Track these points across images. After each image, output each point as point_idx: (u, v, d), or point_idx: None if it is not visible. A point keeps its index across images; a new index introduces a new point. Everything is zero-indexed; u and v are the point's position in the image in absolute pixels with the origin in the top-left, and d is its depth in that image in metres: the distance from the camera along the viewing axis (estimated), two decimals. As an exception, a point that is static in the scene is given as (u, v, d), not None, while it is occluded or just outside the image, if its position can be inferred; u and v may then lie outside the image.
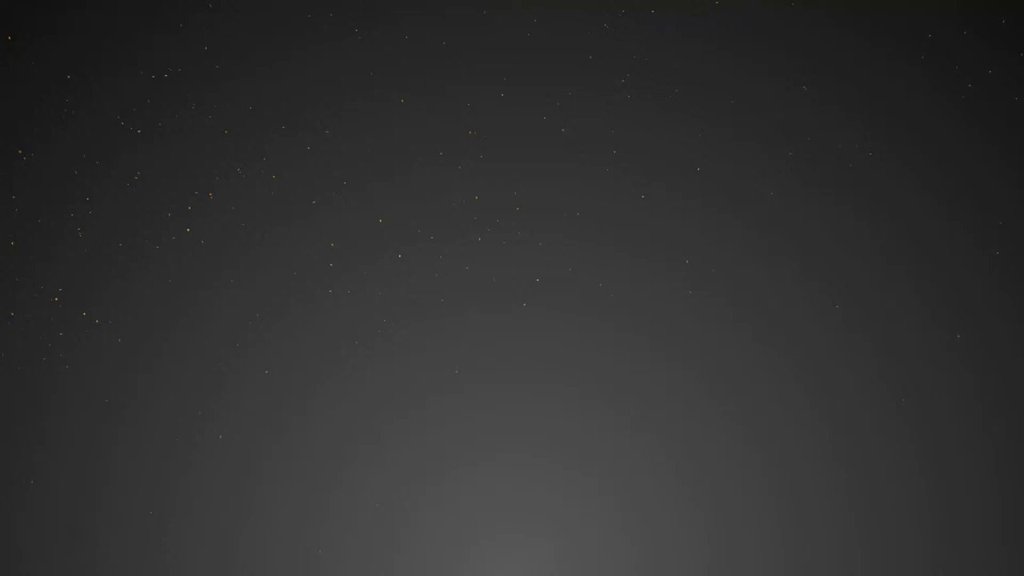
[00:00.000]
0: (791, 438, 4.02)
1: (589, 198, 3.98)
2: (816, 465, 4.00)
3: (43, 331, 3.79)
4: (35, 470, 3.78)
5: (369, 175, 3.96)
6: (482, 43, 3.94)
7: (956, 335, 4.00)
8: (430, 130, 3.95)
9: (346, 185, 3.95)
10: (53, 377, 3.79)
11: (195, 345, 3.86)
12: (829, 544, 3.98)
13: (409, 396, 3.96)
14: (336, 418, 3.94)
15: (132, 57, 3.80)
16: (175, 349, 3.86)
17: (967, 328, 4.01)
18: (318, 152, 3.93)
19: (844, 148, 4.03)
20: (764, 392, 4.01)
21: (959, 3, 4.00)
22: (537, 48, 3.95)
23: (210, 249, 3.87)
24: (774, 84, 4.01)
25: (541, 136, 3.97)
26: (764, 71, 4.01)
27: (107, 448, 3.83)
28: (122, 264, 3.82)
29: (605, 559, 3.95)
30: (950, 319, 4.03)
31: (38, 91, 3.77)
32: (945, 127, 4.04)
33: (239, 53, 3.87)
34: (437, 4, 3.94)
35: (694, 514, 3.99)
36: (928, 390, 4.02)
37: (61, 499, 3.80)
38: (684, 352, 3.99)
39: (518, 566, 3.94)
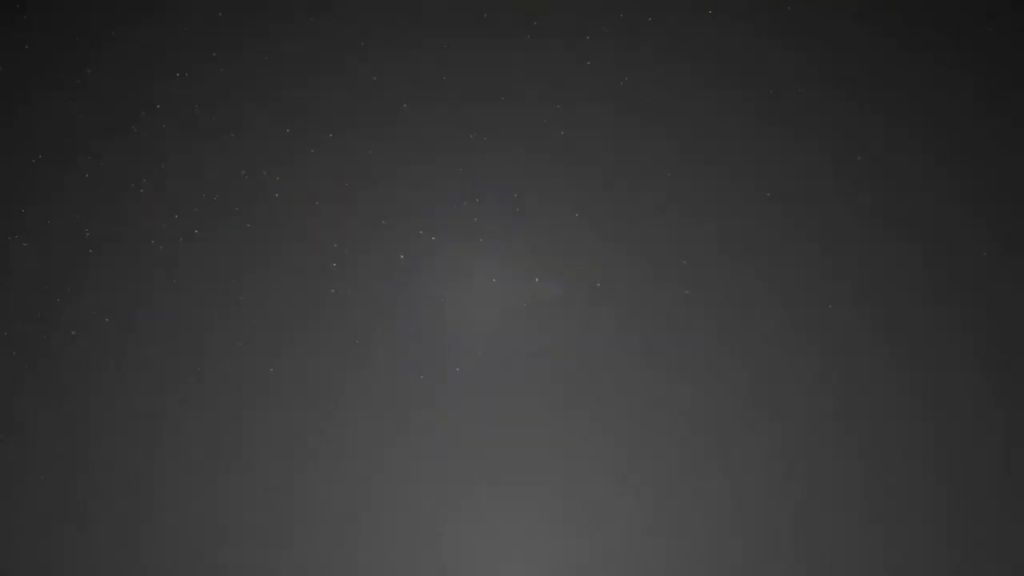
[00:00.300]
0: (803, 435, 4.06)
1: (587, 199, 4.03)
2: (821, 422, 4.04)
3: (52, 331, 3.87)
4: (38, 467, 3.86)
5: (372, 178, 4.02)
6: (482, 46, 3.99)
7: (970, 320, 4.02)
8: (431, 134, 4.01)
9: (347, 187, 4.01)
10: (61, 376, 3.88)
11: (198, 344, 3.94)
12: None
13: (410, 394, 4.02)
14: (337, 416, 4.00)
15: (138, 61, 3.88)
16: (178, 348, 3.94)
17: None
18: (322, 154, 4.00)
19: (851, 146, 4.06)
20: (768, 386, 4.06)
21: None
22: (536, 51, 3.99)
23: (214, 249, 3.95)
24: (777, 83, 4.04)
25: (540, 139, 4.02)
26: (765, 71, 4.04)
27: (109, 446, 3.92)
28: (127, 265, 3.91)
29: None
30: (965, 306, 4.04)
31: (45, 94, 3.84)
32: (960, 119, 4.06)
33: (243, 56, 3.93)
34: (439, 8, 3.99)
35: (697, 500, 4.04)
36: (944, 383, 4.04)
37: (62, 496, 3.89)
38: (681, 350, 4.04)
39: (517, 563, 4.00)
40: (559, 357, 4.01)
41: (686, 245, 4.03)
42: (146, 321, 3.93)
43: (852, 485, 4.02)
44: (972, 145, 4.06)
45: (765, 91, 4.03)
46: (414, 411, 4.00)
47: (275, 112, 3.97)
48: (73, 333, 3.91)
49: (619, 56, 4.01)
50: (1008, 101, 4.05)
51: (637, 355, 4.02)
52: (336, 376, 4.00)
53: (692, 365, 4.03)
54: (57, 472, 3.89)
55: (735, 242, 4.04)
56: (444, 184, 4.03)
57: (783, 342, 4.03)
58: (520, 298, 4.01)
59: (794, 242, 4.05)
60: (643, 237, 4.03)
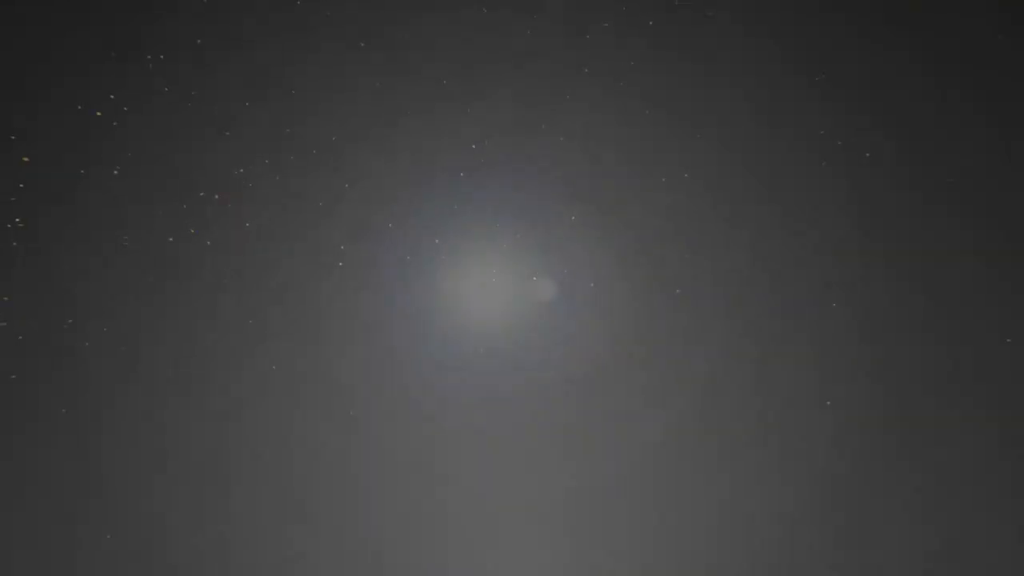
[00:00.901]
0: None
1: (583, 203, 4.15)
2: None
3: (54, 331, 4.01)
4: (38, 467, 3.95)
5: (377, 182, 4.17)
6: (482, 52, 4.11)
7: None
8: (434, 140, 4.16)
9: (354, 190, 4.16)
10: (63, 376, 4.02)
11: (205, 343, 4.09)
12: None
13: (413, 391, 4.15)
14: (342, 413, 4.15)
15: (140, 62, 3.93)
16: (186, 346, 4.08)
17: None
18: (330, 160, 4.15)
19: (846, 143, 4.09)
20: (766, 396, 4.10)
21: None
22: (534, 57, 4.11)
23: (225, 251, 4.11)
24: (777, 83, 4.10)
25: (539, 144, 4.15)
26: (763, 71, 4.10)
27: (116, 445, 4.03)
28: (132, 264, 4.04)
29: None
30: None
31: (46, 96, 3.87)
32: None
33: (248, 60, 4.04)
34: (440, 11, 4.11)
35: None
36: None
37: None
38: (679, 349, 4.12)
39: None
40: (555, 350, 4.12)
41: (684, 246, 4.11)
42: (152, 322, 4.06)
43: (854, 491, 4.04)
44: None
45: (765, 92, 4.09)
46: (418, 402, 4.14)
47: (283, 117, 4.11)
48: (87, 344, 4.03)
49: (618, 58, 4.10)
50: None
51: (624, 349, 4.12)
52: (343, 370, 4.14)
53: (691, 364, 4.09)
54: (57, 471, 3.96)
55: (736, 243, 4.10)
56: (447, 188, 4.16)
57: (780, 342, 4.08)
58: (518, 296, 4.14)
59: (793, 242, 4.09)
60: (637, 239, 4.14)
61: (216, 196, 3.93)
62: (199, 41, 4.01)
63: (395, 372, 4.16)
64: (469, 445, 4.14)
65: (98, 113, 3.96)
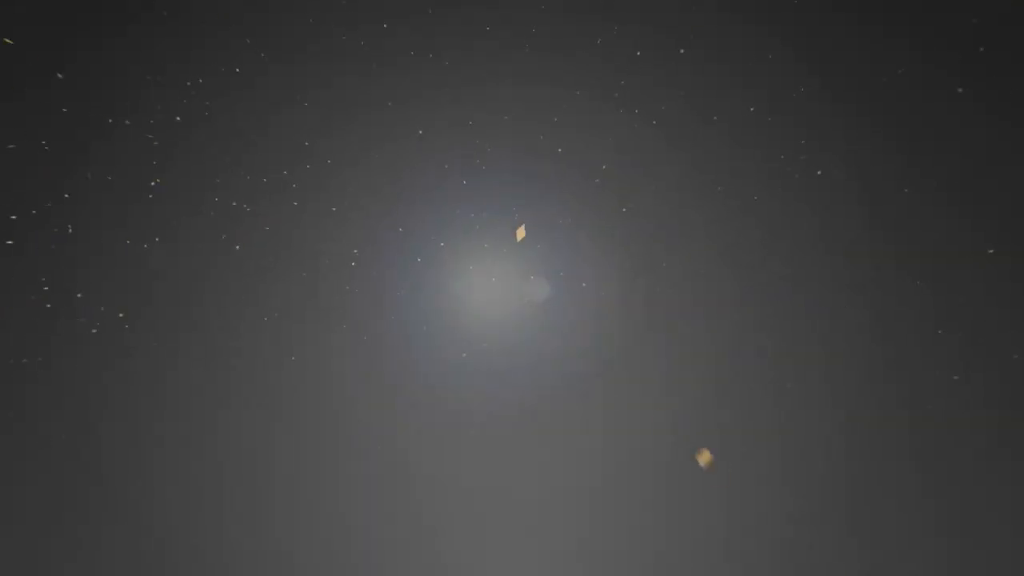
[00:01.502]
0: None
1: (580, 206, 4.35)
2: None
3: (74, 330, 4.27)
4: (38, 468, 4.18)
5: (387, 190, 4.43)
6: (484, 66, 4.35)
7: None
8: (441, 150, 4.40)
9: (365, 196, 4.42)
10: (74, 375, 4.30)
11: (219, 341, 4.36)
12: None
13: (419, 387, 4.35)
14: (350, 410, 4.37)
15: (185, 91, 4.27)
16: (200, 346, 4.35)
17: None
18: (344, 168, 4.43)
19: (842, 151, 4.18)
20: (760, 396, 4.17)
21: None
22: (534, 70, 4.34)
23: (243, 254, 4.40)
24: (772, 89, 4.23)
25: (538, 153, 4.37)
26: (761, 74, 4.24)
27: (115, 442, 4.27)
28: (167, 266, 4.32)
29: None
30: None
31: (47, 93, 4.12)
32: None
33: (270, 82, 4.36)
34: (445, 28, 4.36)
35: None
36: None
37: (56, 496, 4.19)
38: (676, 350, 4.24)
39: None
40: (553, 346, 4.29)
41: (666, 246, 4.25)
42: (169, 322, 4.33)
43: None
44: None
45: (775, 93, 4.23)
46: (423, 402, 4.33)
47: (295, 124, 4.39)
48: (94, 331, 4.27)
49: (615, 65, 4.29)
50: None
51: (619, 347, 4.24)
52: (349, 369, 4.35)
53: (695, 364, 4.20)
54: (61, 468, 4.16)
55: (743, 244, 4.22)
56: (452, 196, 4.40)
57: (788, 342, 4.16)
58: (517, 295, 4.34)
59: (788, 244, 4.19)
60: (640, 241, 4.30)
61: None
62: (237, 69, 4.35)
63: (399, 370, 4.35)
64: (470, 444, 4.28)
65: (149, 136, 4.28)
